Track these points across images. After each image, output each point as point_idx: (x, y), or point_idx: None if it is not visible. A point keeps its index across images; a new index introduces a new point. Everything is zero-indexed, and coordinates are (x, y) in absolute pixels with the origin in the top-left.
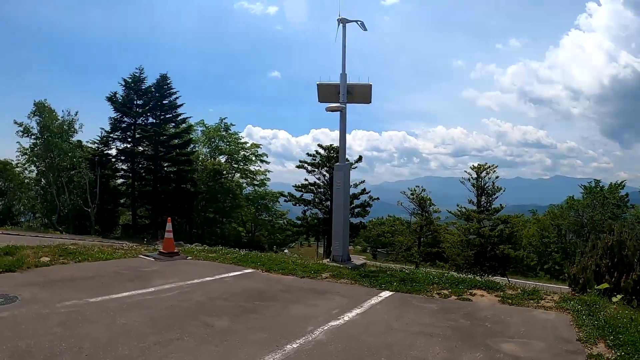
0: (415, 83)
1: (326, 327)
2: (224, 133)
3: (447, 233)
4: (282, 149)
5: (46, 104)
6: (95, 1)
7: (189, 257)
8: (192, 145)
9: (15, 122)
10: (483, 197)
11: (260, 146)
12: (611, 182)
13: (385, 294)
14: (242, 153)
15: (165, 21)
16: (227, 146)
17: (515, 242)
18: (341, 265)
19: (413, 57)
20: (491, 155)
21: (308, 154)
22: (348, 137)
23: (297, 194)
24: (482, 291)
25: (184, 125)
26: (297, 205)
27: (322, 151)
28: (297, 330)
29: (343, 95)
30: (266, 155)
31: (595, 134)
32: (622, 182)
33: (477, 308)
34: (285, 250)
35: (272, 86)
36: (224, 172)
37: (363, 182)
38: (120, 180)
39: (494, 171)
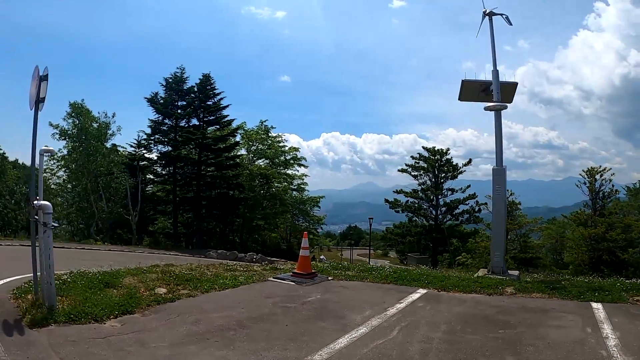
0: (425, 85)
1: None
2: (263, 136)
3: (565, 238)
4: None
5: (83, 105)
6: (105, 6)
7: (330, 278)
8: (237, 149)
9: (51, 125)
10: (598, 200)
11: (299, 149)
12: None
13: (597, 305)
14: (282, 157)
15: (175, 26)
16: (268, 150)
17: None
18: (506, 278)
19: (422, 58)
20: (503, 157)
21: (412, 157)
22: (358, 140)
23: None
24: None
25: (229, 127)
26: (401, 212)
27: (426, 153)
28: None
29: (497, 94)
30: (305, 159)
31: (607, 134)
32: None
33: None
34: (322, 256)
35: (283, 90)
36: (271, 176)
37: (469, 186)
38: (159, 186)
39: (612, 174)
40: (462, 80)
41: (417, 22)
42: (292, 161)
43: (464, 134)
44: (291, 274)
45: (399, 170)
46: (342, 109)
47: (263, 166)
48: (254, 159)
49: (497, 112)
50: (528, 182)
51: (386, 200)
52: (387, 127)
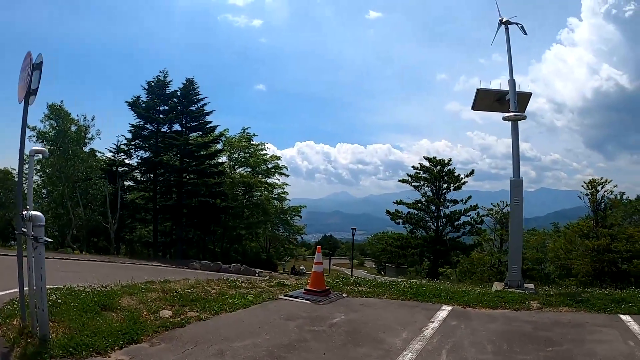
0: (400, 96)
1: None
2: (245, 143)
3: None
4: None
5: (62, 107)
6: (82, 12)
7: (344, 295)
8: (219, 156)
9: (28, 127)
10: (598, 213)
11: (281, 158)
12: (638, 195)
13: (626, 318)
14: (264, 166)
15: (151, 31)
16: (251, 158)
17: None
18: (525, 292)
19: (397, 69)
20: (476, 168)
21: (413, 167)
22: (332, 150)
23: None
24: None
25: (212, 134)
26: (401, 224)
27: (427, 164)
28: None
29: (514, 103)
30: (286, 168)
31: (579, 146)
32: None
33: None
34: (302, 267)
35: (258, 99)
36: (254, 185)
37: (470, 197)
38: (139, 193)
39: (614, 185)
40: (477, 89)
41: (392, 33)
42: (273, 170)
43: (438, 145)
44: (303, 291)
45: (399, 181)
46: (317, 118)
47: (245, 174)
48: (235, 166)
49: (514, 122)
50: (501, 192)
51: (387, 212)
52: (362, 136)
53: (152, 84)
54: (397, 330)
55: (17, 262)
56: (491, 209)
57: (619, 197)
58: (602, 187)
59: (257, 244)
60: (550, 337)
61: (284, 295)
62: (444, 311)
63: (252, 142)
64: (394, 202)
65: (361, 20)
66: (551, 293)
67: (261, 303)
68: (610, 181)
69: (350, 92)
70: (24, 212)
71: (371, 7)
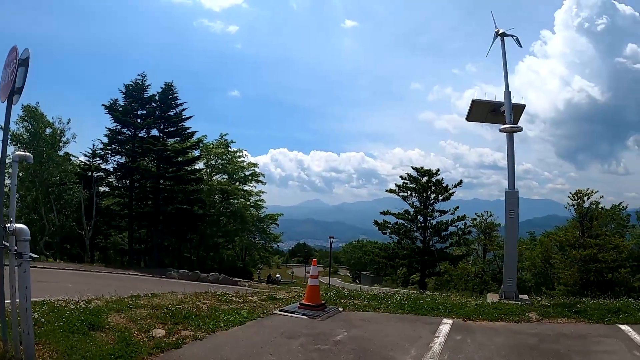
0: (374, 104)
1: None
2: (223, 150)
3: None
4: None
5: (38, 109)
6: (56, 13)
7: (340, 309)
8: (198, 163)
9: (0, 128)
10: (585, 222)
11: (258, 165)
12: (613, 204)
13: (626, 328)
14: (241, 173)
15: (124, 35)
16: (229, 165)
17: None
18: (520, 303)
19: (372, 78)
20: (449, 177)
21: (401, 177)
22: (306, 157)
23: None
24: None
25: (191, 140)
26: (387, 234)
27: (414, 173)
28: None
29: (510, 115)
30: (263, 176)
31: (550, 156)
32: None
33: None
34: (277, 275)
35: (232, 105)
36: (232, 192)
37: (457, 208)
38: (115, 199)
39: (601, 197)
40: (473, 100)
41: (368, 42)
42: (250, 177)
43: (411, 154)
44: (299, 305)
45: (387, 191)
46: (291, 125)
47: (223, 181)
48: (213, 173)
49: (510, 134)
50: (474, 201)
51: (375, 222)
52: (335, 144)
53: (130, 87)
54: (405, 347)
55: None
56: (474, 219)
57: (593, 206)
58: (588, 198)
59: (232, 252)
60: (558, 349)
61: (279, 310)
62: (446, 325)
63: (229, 149)
64: (380, 213)
65: (337, 29)
66: (548, 304)
67: (256, 319)
68: (596, 192)
69: (324, 99)
70: (6, 225)
71: (347, 16)
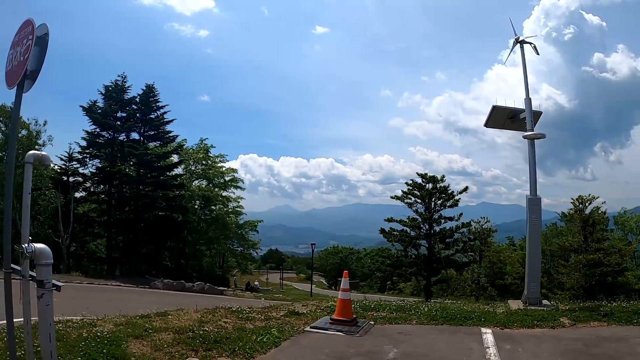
0: (344, 110)
1: None
2: (203, 155)
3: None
4: None
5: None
6: (19, 13)
7: (372, 322)
8: (178, 168)
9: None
10: (587, 228)
11: (237, 170)
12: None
13: None
14: (220, 179)
15: (95, 36)
16: (210, 170)
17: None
18: (546, 309)
19: (342, 84)
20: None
21: (406, 184)
22: (276, 163)
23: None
24: None
25: (172, 144)
26: (392, 242)
27: (420, 180)
28: None
29: (530, 122)
30: (242, 182)
31: (518, 162)
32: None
33: None
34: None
35: (202, 110)
36: (213, 198)
37: (462, 215)
38: (92, 205)
39: (603, 202)
40: (493, 106)
41: (338, 49)
42: (230, 183)
43: (381, 160)
44: (330, 321)
45: (392, 197)
46: (261, 131)
47: (203, 187)
48: (192, 179)
49: (532, 140)
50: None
51: (381, 230)
52: (305, 150)
53: (110, 88)
54: None
55: (4, 307)
56: (469, 223)
57: (560, 213)
58: (589, 203)
59: (210, 259)
60: (607, 352)
61: (310, 327)
62: (488, 334)
63: (209, 154)
64: (385, 220)
65: (308, 35)
66: (575, 309)
67: (290, 338)
68: (597, 197)
69: (294, 105)
70: (24, 245)
71: (318, 22)
